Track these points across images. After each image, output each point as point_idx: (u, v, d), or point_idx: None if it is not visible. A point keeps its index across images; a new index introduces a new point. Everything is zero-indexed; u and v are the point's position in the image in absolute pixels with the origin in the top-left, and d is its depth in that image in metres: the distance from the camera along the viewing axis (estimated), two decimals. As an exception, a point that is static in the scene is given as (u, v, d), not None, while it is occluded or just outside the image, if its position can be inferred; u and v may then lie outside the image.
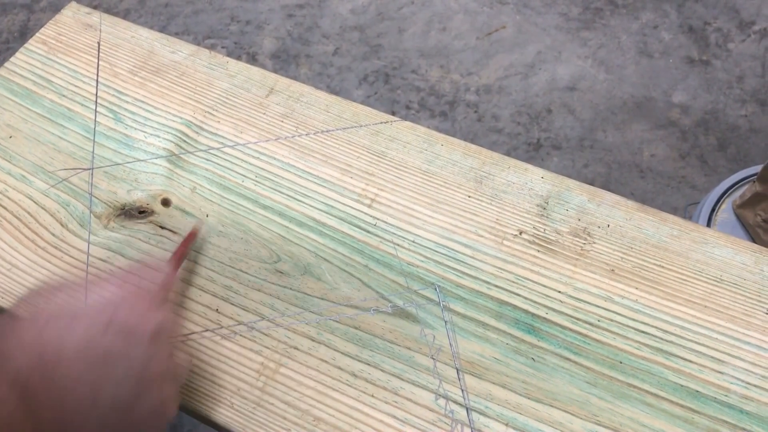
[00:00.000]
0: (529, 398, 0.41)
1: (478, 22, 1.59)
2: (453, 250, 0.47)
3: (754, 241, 0.89)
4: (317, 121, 0.54)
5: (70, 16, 0.60)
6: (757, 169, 0.96)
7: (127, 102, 0.54)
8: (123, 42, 0.58)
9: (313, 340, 0.43)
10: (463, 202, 0.49)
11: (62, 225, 0.48)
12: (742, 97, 1.44)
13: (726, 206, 0.96)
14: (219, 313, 0.44)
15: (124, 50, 0.58)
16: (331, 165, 0.51)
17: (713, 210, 0.96)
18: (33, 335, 0.31)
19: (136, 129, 0.53)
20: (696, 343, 0.43)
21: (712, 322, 0.44)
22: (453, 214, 0.49)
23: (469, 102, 1.45)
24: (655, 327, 0.43)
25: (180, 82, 0.56)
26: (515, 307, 0.44)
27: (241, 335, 0.43)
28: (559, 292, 0.45)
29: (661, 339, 0.43)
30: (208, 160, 0.51)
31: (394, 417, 0.40)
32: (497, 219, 0.48)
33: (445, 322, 0.44)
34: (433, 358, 0.42)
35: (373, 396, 0.41)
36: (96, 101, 0.54)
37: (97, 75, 0.56)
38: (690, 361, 0.42)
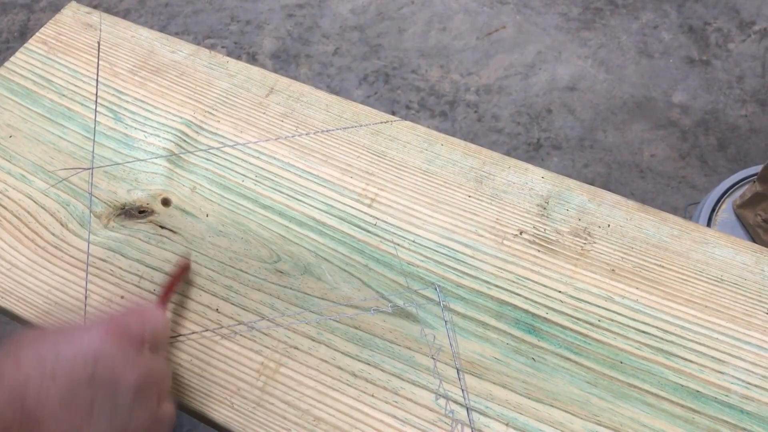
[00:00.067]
0: (529, 398, 0.41)
1: (478, 22, 1.59)
2: (453, 249, 0.47)
3: (754, 241, 0.89)
4: (317, 120, 0.54)
5: (70, 15, 0.60)
6: (757, 169, 0.96)
7: (127, 102, 0.54)
8: (123, 42, 0.58)
9: (313, 340, 0.43)
10: (463, 202, 0.49)
11: (62, 225, 0.48)
12: (742, 97, 1.44)
13: (726, 206, 0.96)
14: (219, 312, 0.44)
15: (124, 50, 0.58)
16: (331, 165, 0.51)
17: (713, 210, 0.96)
18: (16, 381, 0.30)
19: (136, 129, 0.53)
20: (696, 343, 0.43)
21: (712, 322, 0.44)
22: (453, 214, 0.49)
23: (469, 102, 1.45)
24: (656, 327, 0.43)
25: (180, 82, 0.56)
26: (515, 306, 0.44)
27: (241, 335, 0.43)
28: (560, 292, 0.45)
29: (662, 339, 0.43)
30: (208, 159, 0.51)
31: (395, 417, 0.40)
32: (497, 219, 0.48)
33: (446, 321, 0.44)
34: (434, 358, 0.42)
35: (373, 396, 0.41)
36: (96, 101, 0.54)
37: (97, 75, 0.56)
38: (690, 361, 0.42)
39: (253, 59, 1.52)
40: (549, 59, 1.51)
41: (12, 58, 0.57)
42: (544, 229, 0.48)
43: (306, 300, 0.45)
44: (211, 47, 1.53)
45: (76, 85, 0.55)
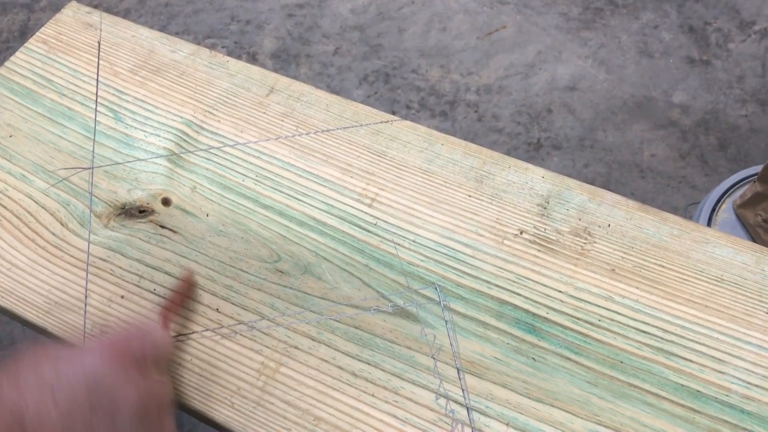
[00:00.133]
0: (529, 398, 0.41)
1: (479, 21, 1.59)
2: (453, 249, 0.47)
3: (754, 241, 0.89)
4: (318, 120, 0.54)
5: (71, 15, 0.60)
6: (758, 169, 0.96)
7: (128, 101, 0.54)
8: (123, 41, 0.58)
9: (313, 340, 0.43)
10: (463, 202, 0.49)
11: (62, 224, 0.48)
12: (743, 97, 1.44)
13: (726, 206, 0.96)
14: (219, 312, 0.44)
15: (124, 49, 0.58)
16: (331, 164, 0.51)
17: (714, 210, 0.96)
18: (16, 403, 0.30)
19: (136, 128, 0.53)
20: (697, 342, 0.43)
21: (713, 321, 0.44)
22: (453, 214, 0.49)
23: (469, 102, 1.45)
24: (656, 327, 0.43)
25: (180, 82, 0.56)
26: (516, 306, 0.44)
27: (241, 335, 0.43)
28: (560, 291, 0.45)
29: (662, 339, 0.43)
30: (208, 159, 0.51)
31: (395, 416, 0.40)
32: (498, 218, 0.48)
33: (446, 321, 0.44)
34: (434, 358, 0.42)
35: (373, 395, 0.41)
36: (96, 100, 0.54)
37: (98, 74, 0.56)
38: (691, 361, 0.42)
39: (253, 59, 1.52)
40: (549, 59, 1.51)
41: (12, 58, 0.57)
42: (545, 229, 0.48)
43: (306, 300, 0.45)
44: (212, 47, 1.53)
45: (76, 85, 0.55)
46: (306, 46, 1.55)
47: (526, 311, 0.44)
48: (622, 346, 0.43)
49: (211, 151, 0.52)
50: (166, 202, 0.49)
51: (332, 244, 0.47)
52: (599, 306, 0.44)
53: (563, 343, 0.43)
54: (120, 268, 0.46)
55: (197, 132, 0.53)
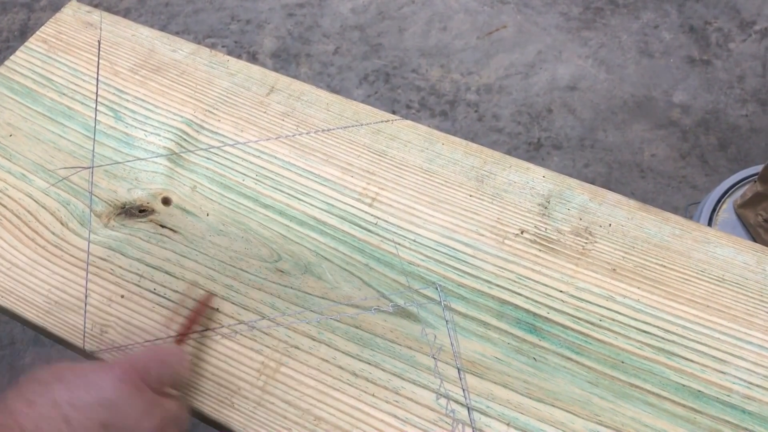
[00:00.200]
0: (530, 398, 0.41)
1: (479, 21, 1.59)
2: (454, 249, 0.47)
3: (755, 241, 0.89)
4: (318, 119, 0.54)
5: (71, 14, 0.60)
6: (758, 168, 0.96)
7: (128, 100, 0.54)
8: (123, 40, 0.58)
9: (313, 340, 0.43)
10: (464, 201, 0.49)
11: (62, 224, 0.48)
12: (743, 97, 1.44)
13: (727, 206, 0.96)
14: (219, 312, 0.44)
15: (124, 49, 0.58)
16: (331, 164, 0.51)
17: (714, 210, 0.96)
18: (29, 423, 0.30)
19: (136, 127, 0.53)
20: (698, 342, 0.43)
21: (714, 321, 0.44)
22: (454, 213, 0.48)
23: (469, 101, 1.45)
24: (657, 327, 0.43)
25: (180, 81, 0.56)
26: (517, 306, 0.44)
27: (241, 334, 0.43)
28: (561, 291, 0.45)
29: (663, 339, 0.43)
30: (208, 158, 0.51)
31: (395, 416, 0.40)
32: (498, 218, 0.48)
33: (446, 321, 0.44)
34: (434, 358, 0.42)
35: (374, 395, 0.41)
36: (96, 100, 0.54)
37: (98, 73, 0.56)
38: (692, 361, 0.42)
39: (253, 58, 1.52)
40: (549, 59, 1.51)
41: (12, 57, 0.57)
42: (546, 229, 0.48)
43: (306, 299, 0.45)
44: (212, 46, 1.53)
45: (76, 84, 0.55)
46: (306, 45, 1.55)
47: (527, 311, 0.44)
48: (623, 346, 0.43)
49: (212, 150, 0.52)
50: (166, 201, 0.49)
51: (333, 244, 0.47)
52: (600, 306, 0.44)
53: (564, 343, 0.43)
54: (120, 267, 0.46)
55: (197, 131, 0.53)
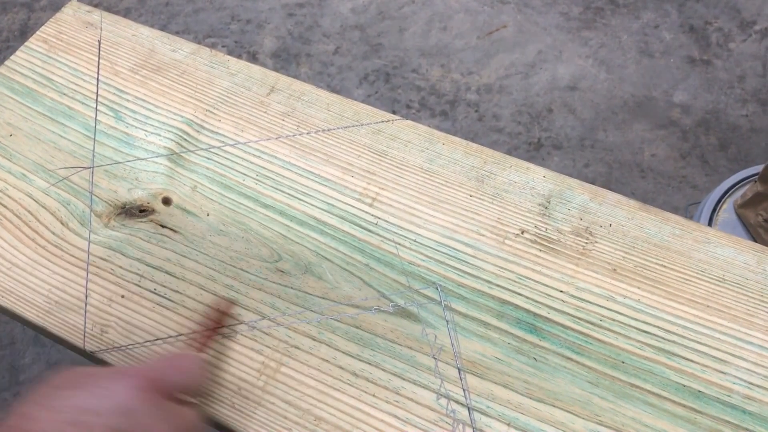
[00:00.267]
0: (530, 398, 0.41)
1: (479, 21, 1.59)
2: (454, 249, 0.47)
3: (755, 241, 0.89)
4: (318, 119, 0.54)
5: (71, 14, 0.60)
6: (758, 168, 0.96)
7: (128, 100, 0.54)
8: (124, 40, 0.58)
9: (314, 340, 0.43)
10: (464, 201, 0.49)
11: (63, 224, 0.48)
12: (743, 97, 1.44)
13: (727, 206, 0.96)
14: (220, 312, 0.44)
15: (124, 48, 0.58)
16: (332, 164, 0.51)
17: (714, 210, 0.96)
18: (47, 429, 0.29)
19: (136, 127, 0.53)
20: (698, 343, 0.43)
21: (714, 322, 0.44)
22: (454, 213, 0.48)
23: (469, 101, 1.45)
24: (658, 327, 0.43)
25: (181, 81, 0.56)
26: (517, 306, 0.44)
27: (242, 334, 0.43)
28: (561, 291, 0.45)
29: (664, 339, 0.43)
30: (208, 158, 0.51)
31: (396, 417, 0.40)
32: (499, 218, 0.48)
33: (447, 321, 0.44)
34: (435, 358, 0.42)
35: (374, 395, 0.41)
36: (96, 99, 0.54)
37: (98, 73, 0.56)
38: (692, 361, 0.42)
39: (253, 58, 1.52)
40: (550, 59, 1.51)
41: (12, 57, 0.57)
42: (546, 229, 0.48)
43: (307, 299, 0.45)
44: (212, 46, 1.53)
45: (76, 84, 0.55)
46: (306, 45, 1.55)
47: (528, 311, 0.44)
48: (623, 346, 0.43)
49: (212, 150, 0.52)
50: (166, 201, 0.49)
51: (333, 244, 0.47)
52: (601, 306, 0.44)
53: (564, 343, 0.43)
54: (120, 267, 0.46)
55: (198, 131, 0.53)
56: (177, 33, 1.56)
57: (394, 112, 1.41)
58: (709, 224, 0.94)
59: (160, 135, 0.52)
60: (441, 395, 0.41)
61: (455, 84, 1.48)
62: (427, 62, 1.51)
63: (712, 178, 1.33)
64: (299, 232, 0.48)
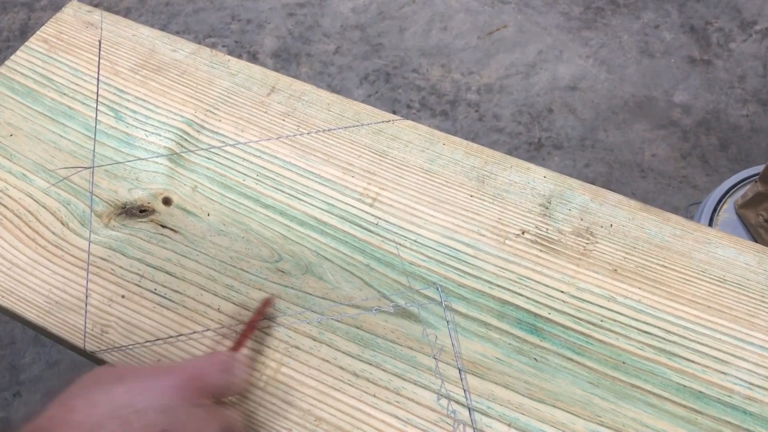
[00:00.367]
0: (531, 398, 0.41)
1: (480, 21, 1.59)
2: (455, 249, 0.47)
3: (756, 241, 0.89)
4: (319, 119, 0.53)
5: (71, 14, 0.60)
6: (759, 169, 0.96)
7: (128, 100, 0.54)
8: (124, 40, 0.58)
9: (314, 340, 0.43)
10: (465, 202, 0.49)
11: (63, 224, 0.48)
12: (744, 97, 1.44)
13: (728, 206, 0.96)
14: (220, 312, 0.44)
15: (125, 48, 0.58)
16: (332, 164, 0.51)
17: (715, 210, 0.96)
18: (88, 421, 0.30)
19: (137, 127, 0.53)
20: (699, 343, 0.43)
21: (715, 322, 0.43)
22: (455, 214, 0.48)
23: (470, 101, 1.45)
24: (658, 327, 0.43)
25: (181, 81, 0.56)
26: (517, 307, 0.44)
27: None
28: (562, 292, 0.45)
29: (664, 339, 0.43)
30: (209, 158, 0.51)
31: (396, 417, 0.40)
32: (499, 218, 0.48)
33: (447, 321, 0.44)
34: (435, 358, 0.42)
35: (374, 396, 0.41)
36: (97, 99, 0.54)
37: (98, 73, 0.56)
38: (693, 362, 0.42)
39: (254, 58, 1.52)
40: (550, 59, 1.51)
41: (13, 57, 0.57)
42: (546, 229, 0.48)
43: (307, 299, 0.44)
44: (212, 46, 1.53)
45: (77, 84, 0.55)
46: (307, 45, 1.55)
47: (528, 311, 0.44)
48: (624, 346, 0.43)
49: (212, 150, 0.52)
50: (166, 201, 0.49)
51: (333, 244, 0.47)
52: (601, 306, 0.44)
53: (565, 344, 0.43)
54: (121, 267, 0.46)
55: (198, 131, 0.53)
56: (177, 33, 1.56)
57: (394, 112, 1.41)
58: (710, 224, 0.94)
59: (160, 135, 0.52)
60: (442, 396, 0.41)
61: (456, 84, 1.47)
62: (428, 62, 1.51)
63: (713, 178, 1.32)
64: (300, 232, 0.47)
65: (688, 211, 1.23)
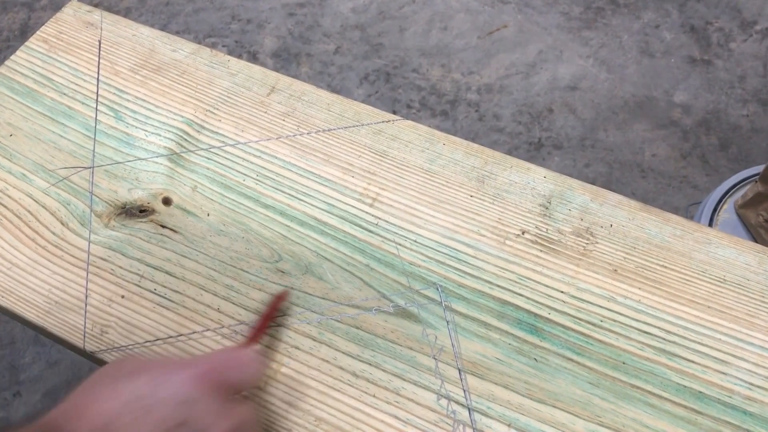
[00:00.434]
0: (531, 399, 0.41)
1: (480, 21, 1.58)
2: (455, 249, 0.47)
3: (756, 241, 0.89)
4: (319, 119, 0.53)
5: (71, 14, 0.60)
6: (759, 169, 0.96)
7: (128, 100, 0.54)
8: (124, 40, 0.58)
9: (314, 340, 0.43)
10: (465, 202, 0.49)
11: (63, 224, 0.48)
12: (744, 97, 1.44)
13: (728, 206, 0.96)
14: (220, 312, 0.44)
15: (125, 48, 0.58)
16: (332, 164, 0.51)
17: (715, 210, 0.96)
18: (111, 408, 0.30)
19: (137, 127, 0.53)
20: (699, 343, 0.43)
21: (715, 322, 0.43)
22: (455, 214, 0.48)
23: (470, 101, 1.45)
24: (658, 327, 0.43)
25: (181, 81, 0.56)
26: (517, 307, 0.44)
27: (242, 335, 0.43)
28: (562, 292, 0.45)
29: (664, 339, 0.43)
30: (209, 158, 0.51)
31: (396, 417, 0.40)
32: (499, 218, 0.48)
33: (447, 322, 0.44)
34: (435, 359, 0.42)
35: (374, 396, 0.41)
36: (97, 99, 0.54)
37: (98, 73, 0.56)
38: (693, 362, 0.42)
39: (254, 58, 1.52)
40: (550, 58, 1.51)
41: (13, 57, 0.57)
42: (547, 229, 0.48)
43: (307, 300, 0.44)
44: (212, 46, 1.53)
45: (76, 84, 0.55)
46: (307, 45, 1.54)
47: (528, 312, 0.44)
48: (624, 346, 0.43)
49: (212, 150, 0.52)
50: (166, 201, 0.49)
51: (333, 244, 0.47)
52: (601, 307, 0.44)
53: (565, 344, 0.43)
54: (120, 267, 0.46)
55: (198, 131, 0.53)
56: (177, 33, 1.56)
57: (394, 112, 1.41)
58: (710, 225, 0.94)
59: (160, 135, 0.52)
60: (441, 396, 0.41)
61: (456, 84, 1.47)
62: (428, 62, 1.51)
63: (713, 178, 1.32)
64: (300, 232, 0.47)
65: (688, 211, 1.23)
